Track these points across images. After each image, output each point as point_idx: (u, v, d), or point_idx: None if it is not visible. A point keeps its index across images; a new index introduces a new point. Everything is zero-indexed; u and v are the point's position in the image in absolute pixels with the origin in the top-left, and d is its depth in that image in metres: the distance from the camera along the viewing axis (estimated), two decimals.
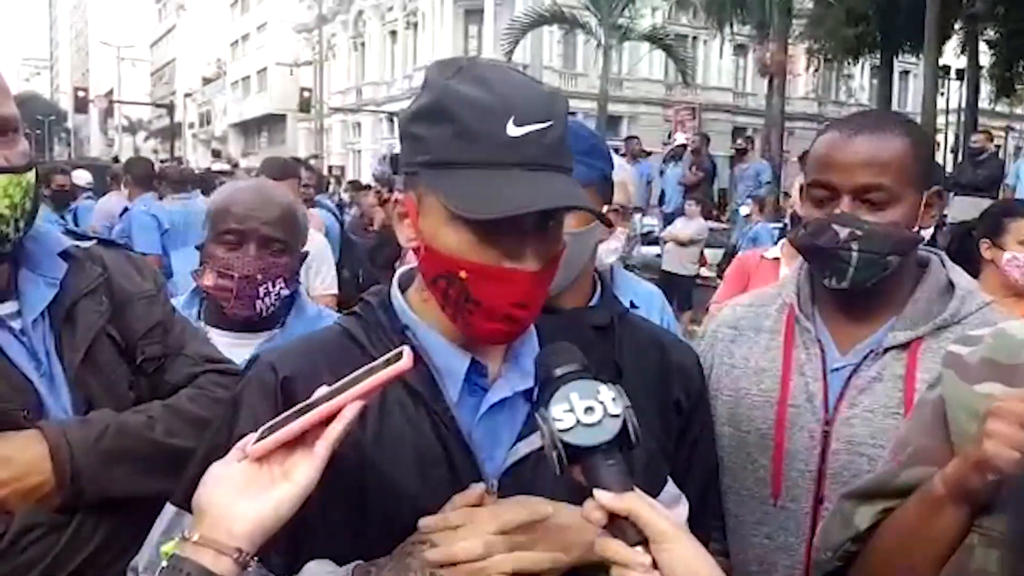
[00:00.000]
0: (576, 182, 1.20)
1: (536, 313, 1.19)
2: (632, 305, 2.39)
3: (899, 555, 1.23)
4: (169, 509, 1.22)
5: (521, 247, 1.13)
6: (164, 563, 0.96)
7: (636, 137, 15.90)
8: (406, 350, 1.03)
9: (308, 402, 1.03)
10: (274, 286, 2.07)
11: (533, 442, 1.20)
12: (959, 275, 1.70)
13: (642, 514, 0.97)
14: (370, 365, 1.04)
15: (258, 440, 1.01)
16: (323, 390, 1.04)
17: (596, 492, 0.98)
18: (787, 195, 10.45)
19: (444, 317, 1.20)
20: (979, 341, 1.27)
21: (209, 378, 1.59)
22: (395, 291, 1.29)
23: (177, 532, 1.15)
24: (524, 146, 1.12)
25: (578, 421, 0.98)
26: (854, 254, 1.58)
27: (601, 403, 0.99)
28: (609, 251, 2.30)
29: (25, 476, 1.35)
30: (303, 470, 0.99)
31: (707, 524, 1.65)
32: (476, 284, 1.13)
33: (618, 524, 0.98)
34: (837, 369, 1.68)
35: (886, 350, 1.64)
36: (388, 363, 1.03)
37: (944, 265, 1.71)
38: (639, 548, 0.96)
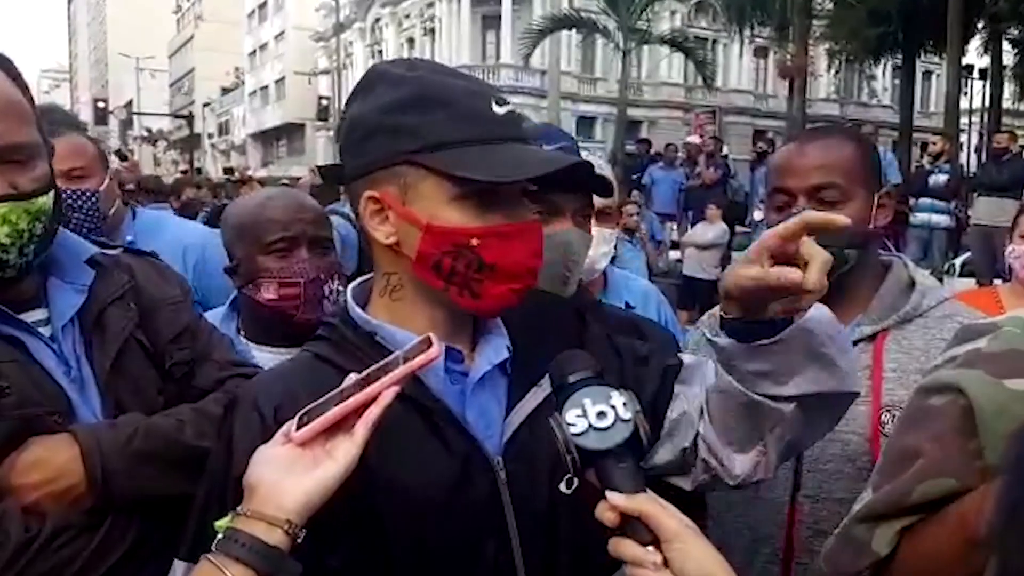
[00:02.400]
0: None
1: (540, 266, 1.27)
2: (628, 305, 2.38)
3: None
4: (179, 566, 1.20)
5: (521, 211, 1.23)
6: (220, 535, 1.03)
7: (672, 144, 15.86)
8: (433, 337, 1.09)
9: (339, 389, 1.09)
10: (334, 283, 2.05)
11: (523, 411, 1.26)
12: (920, 274, 1.85)
13: (653, 514, 0.99)
14: (398, 352, 1.10)
15: (298, 425, 1.07)
16: (352, 377, 1.10)
17: (608, 494, 1.01)
18: None
19: (415, 315, 1.26)
20: (991, 330, 1.19)
21: (236, 383, 1.59)
22: (351, 305, 1.31)
23: None
24: (508, 123, 1.23)
25: (591, 425, 1.02)
26: None
27: (613, 408, 1.02)
28: (600, 256, 2.26)
29: (57, 479, 1.37)
30: (345, 450, 1.06)
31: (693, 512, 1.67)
32: (489, 248, 1.20)
33: (631, 524, 1.00)
34: None
35: (854, 343, 1.75)
36: (412, 349, 1.09)
37: (906, 266, 1.87)
38: (651, 548, 0.99)
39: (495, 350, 1.29)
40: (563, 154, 1.30)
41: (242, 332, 2.14)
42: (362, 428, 1.06)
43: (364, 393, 1.06)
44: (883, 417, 1.71)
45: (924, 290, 1.79)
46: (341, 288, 2.09)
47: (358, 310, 1.29)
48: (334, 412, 1.06)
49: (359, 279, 1.37)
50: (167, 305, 1.60)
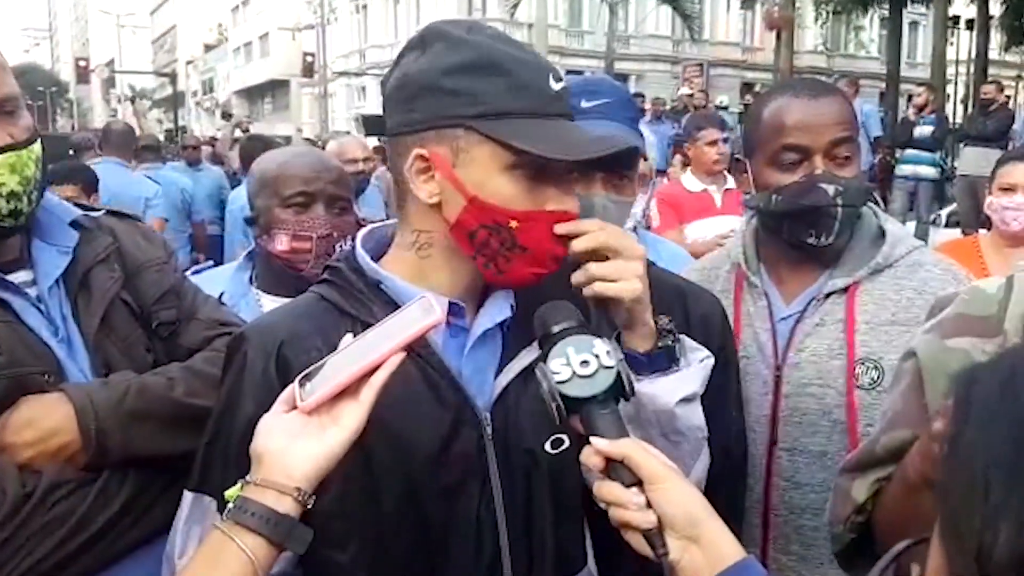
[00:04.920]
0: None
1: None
2: None
3: (895, 534, 1.25)
4: (187, 496, 1.26)
5: (567, 191, 1.24)
6: (231, 505, 1.03)
7: (660, 97, 15.73)
8: (432, 300, 1.10)
9: (337, 352, 1.10)
10: (347, 243, 2.06)
11: (512, 370, 1.28)
12: (890, 223, 1.83)
13: (636, 458, 1.03)
14: (395, 314, 1.11)
15: (299, 386, 1.08)
16: (348, 339, 1.11)
17: (592, 439, 1.05)
18: None
19: (438, 273, 1.27)
20: (954, 299, 1.31)
21: (224, 341, 1.60)
22: (359, 251, 1.32)
23: (198, 517, 1.23)
24: (563, 100, 1.24)
25: (575, 373, 1.05)
26: (839, 210, 1.70)
27: (596, 356, 1.06)
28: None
29: (52, 436, 1.39)
30: (351, 414, 1.06)
31: (732, 481, 1.71)
32: (527, 232, 1.21)
33: (614, 468, 1.04)
34: (784, 319, 1.82)
35: (827, 296, 1.77)
36: (413, 313, 1.09)
37: (876, 215, 1.85)
38: (634, 489, 1.03)
39: (499, 309, 1.32)
40: (618, 135, 1.30)
41: (255, 282, 2.19)
42: (369, 393, 1.06)
43: (373, 359, 1.06)
44: (857, 370, 1.72)
45: (894, 240, 1.79)
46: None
47: (366, 258, 1.31)
48: (341, 380, 1.06)
49: (370, 227, 1.39)
50: (152, 266, 1.62)
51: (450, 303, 1.27)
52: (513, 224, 1.20)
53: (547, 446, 1.29)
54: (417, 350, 1.22)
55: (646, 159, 1.70)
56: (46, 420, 1.39)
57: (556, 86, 1.22)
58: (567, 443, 1.28)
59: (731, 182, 4.60)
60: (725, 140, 4.53)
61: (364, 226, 1.46)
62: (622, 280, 1.24)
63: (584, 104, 1.60)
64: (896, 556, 1.04)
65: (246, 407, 1.22)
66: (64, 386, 1.42)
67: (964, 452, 0.57)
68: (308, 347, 1.23)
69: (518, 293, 1.34)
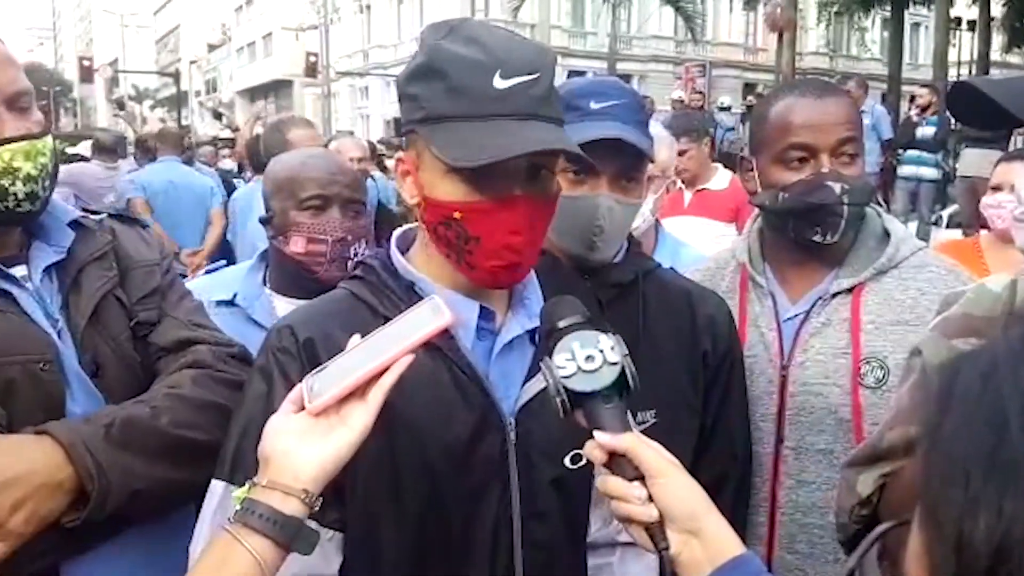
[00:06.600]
0: (562, 131, 1.27)
1: (532, 243, 1.25)
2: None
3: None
4: (218, 485, 1.25)
5: (510, 186, 1.21)
6: (237, 506, 1.04)
7: (648, 97, 15.71)
8: (441, 303, 1.11)
9: (344, 352, 1.11)
10: (360, 246, 2.11)
11: (541, 380, 1.26)
12: (894, 224, 1.85)
13: (638, 452, 1.04)
14: (404, 315, 1.12)
15: (308, 388, 1.08)
16: (356, 339, 1.11)
17: (596, 433, 1.05)
18: None
19: (449, 269, 1.29)
20: (960, 297, 1.33)
21: (196, 350, 1.57)
22: (394, 252, 1.35)
23: (229, 509, 1.19)
24: (511, 98, 1.20)
25: (579, 368, 1.06)
26: (845, 208, 1.71)
27: (600, 351, 1.06)
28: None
29: (47, 479, 1.28)
30: (359, 416, 1.07)
31: (738, 481, 1.73)
32: (471, 221, 1.22)
33: (617, 462, 1.05)
34: (789, 318, 1.83)
35: (833, 296, 1.79)
36: (422, 315, 1.10)
37: (880, 216, 1.87)
38: (636, 483, 1.04)
39: (528, 316, 1.33)
40: (557, 134, 1.24)
41: (268, 284, 2.21)
42: (377, 394, 1.07)
43: (382, 361, 1.06)
44: (862, 369, 1.73)
45: (898, 241, 1.80)
46: (367, 252, 2.11)
47: (400, 258, 1.33)
48: (350, 383, 1.06)
49: (405, 227, 1.42)
50: (141, 267, 1.63)
51: (481, 307, 1.29)
52: (457, 215, 1.22)
53: (567, 461, 1.30)
54: (448, 352, 1.25)
55: (653, 161, 1.70)
56: (30, 462, 1.27)
57: (503, 84, 1.19)
58: (586, 459, 1.28)
59: (717, 182, 4.63)
60: (682, 153, 4.59)
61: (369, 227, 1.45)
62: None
63: (593, 106, 1.60)
64: (877, 538, 1.07)
65: (278, 400, 1.20)
66: (45, 427, 1.32)
67: (944, 443, 0.57)
68: (340, 344, 1.20)
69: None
